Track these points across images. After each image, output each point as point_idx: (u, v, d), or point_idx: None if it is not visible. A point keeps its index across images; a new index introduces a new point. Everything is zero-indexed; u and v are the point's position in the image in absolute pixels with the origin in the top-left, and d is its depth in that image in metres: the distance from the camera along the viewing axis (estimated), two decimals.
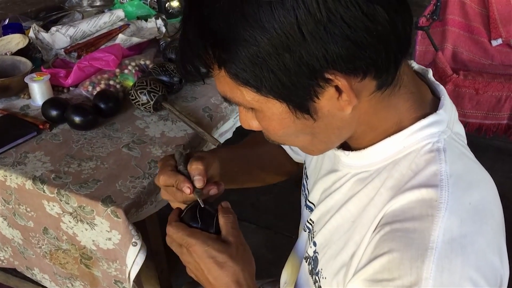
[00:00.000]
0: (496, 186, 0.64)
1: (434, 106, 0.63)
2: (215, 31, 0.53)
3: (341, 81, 0.53)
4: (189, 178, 0.74)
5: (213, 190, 0.75)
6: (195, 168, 0.75)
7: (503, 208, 0.63)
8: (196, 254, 0.68)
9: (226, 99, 0.60)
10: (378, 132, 0.62)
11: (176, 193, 0.75)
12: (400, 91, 0.60)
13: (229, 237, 0.69)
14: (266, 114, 0.59)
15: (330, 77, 0.53)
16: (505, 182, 2.09)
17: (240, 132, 1.35)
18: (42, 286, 1.25)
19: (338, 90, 0.55)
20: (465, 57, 2.43)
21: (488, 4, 2.32)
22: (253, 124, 0.64)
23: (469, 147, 0.66)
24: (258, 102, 0.57)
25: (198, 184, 0.74)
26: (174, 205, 0.78)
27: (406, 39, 0.55)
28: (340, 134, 0.62)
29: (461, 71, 2.17)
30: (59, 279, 1.15)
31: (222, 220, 0.71)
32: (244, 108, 0.62)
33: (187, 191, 0.73)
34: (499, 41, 2.39)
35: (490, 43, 2.42)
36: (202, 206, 0.72)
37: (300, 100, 0.55)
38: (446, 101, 0.63)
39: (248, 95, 0.56)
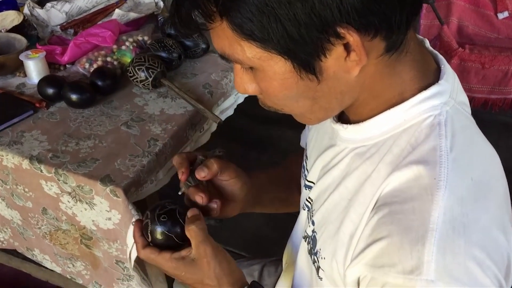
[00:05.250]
0: (501, 161, 0.61)
1: (437, 76, 0.60)
2: None
3: (353, 37, 0.50)
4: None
5: (212, 205, 0.75)
6: (209, 162, 0.75)
7: (508, 184, 0.60)
8: (177, 278, 0.72)
9: (223, 57, 0.56)
10: (380, 102, 0.59)
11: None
12: (406, 58, 0.56)
13: (198, 253, 0.69)
14: (268, 74, 0.55)
15: (342, 31, 0.49)
16: (510, 157, 2.06)
17: (242, 110, 1.32)
18: (44, 267, 1.24)
19: (347, 49, 0.51)
20: (471, 31, 2.37)
21: None
22: (249, 88, 0.60)
23: None
24: (260, 59, 0.53)
25: (200, 174, 0.73)
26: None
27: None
28: (342, 99, 0.58)
29: (466, 45, 2.12)
30: (60, 260, 1.14)
31: (188, 234, 0.70)
32: (241, 68, 0.59)
33: (180, 175, 0.72)
34: (506, 14, 2.33)
35: (497, 16, 2.36)
36: (173, 207, 0.73)
37: (307, 57, 0.52)
38: (447, 69, 0.60)
39: (249, 51, 0.53)
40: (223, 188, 0.80)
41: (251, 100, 1.36)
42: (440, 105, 0.57)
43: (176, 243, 0.71)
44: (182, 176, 0.74)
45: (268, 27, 0.50)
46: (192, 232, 0.69)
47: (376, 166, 0.59)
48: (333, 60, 0.52)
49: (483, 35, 2.41)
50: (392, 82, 0.57)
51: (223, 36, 0.53)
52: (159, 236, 0.71)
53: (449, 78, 0.59)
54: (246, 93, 0.61)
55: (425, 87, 0.58)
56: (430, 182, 0.53)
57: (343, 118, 0.67)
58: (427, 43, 0.63)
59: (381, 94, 0.58)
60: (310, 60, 0.52)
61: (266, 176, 0.92)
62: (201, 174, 0.74)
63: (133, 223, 0.91)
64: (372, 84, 0.57)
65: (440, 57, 0.62)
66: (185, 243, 0.71)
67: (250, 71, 0.58)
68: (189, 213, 0.71)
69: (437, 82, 0.58)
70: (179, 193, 0.75)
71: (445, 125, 0.56)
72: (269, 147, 2.25)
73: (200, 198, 0.73)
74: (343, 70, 0.54)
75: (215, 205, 0.75)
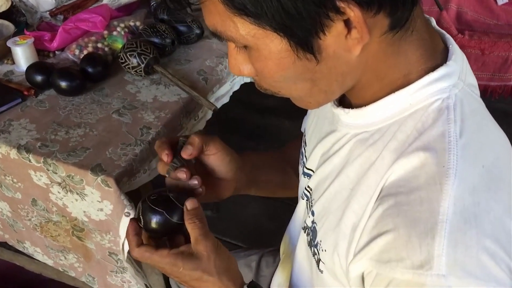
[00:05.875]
0: None
1: (445, 56, 0.56)
2: None
3: (354, 12, 0.46)
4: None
5: (193, 182, 0.71)
6: (191, 138, 0.71)
7: None
8: (174, 276, 0.67)
9: (215, 35, 0.52)
10: (384, 84, 0.55)
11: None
12: (412, 37, 0.53)
13: (198, 247, 0.66)
14: (263, 53, 0.51)
15: (342, 5, 0.46)
16: None
17: (238, 99, 1.29)
18: (37, 259, 1.21)
19: (348, 26, 0.48)
20: (470, 17, 2.34)
21: None
22: (245, 70, 0.57)
23: None
24: (254, 37, 0.50)
25: (186, 153, 0.70)
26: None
27: None
28: (343, 81, 0.55)
29: (466, 31, 2.09)
30: (52, 252, 1.11)
31: (188, 228, 0.67)
32: (236, 47, 0.55)
33: (165, 158, 0.69)
34: None
35: (496, 2, 2.32)
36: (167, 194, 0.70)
37: (304, 34, 0.48)
38: (455, 49, 0.56)
39: (242, 28, 0.49)
40: (212, 166, 0.77)
41: (248, 89, 1.34)
42: (449, 87, 0.54)
43: (171, 228, 0.69)
44: (167, 159, 0.70)
45: (261, 1, 0.46)
46: (192, 226, 0.67)
47: (380, 153, 0.55)
48: (333, 38, 0.49)
49: (482, 21, 2.38)
50: (397, 63, 0.54)
51: (215, 12, 0.49)
52: (153, 225, 0.69)
53: (458, 59, 0.56)
54: (241, 74, 0.58)
55: (433, 69, 0.54)
56: (438, 170, 0.50)
57: (344, 102, 0.63)
58: (434, 22, 0.59)
59: (385, 76, 0.55)
60: (308, 38, 0.49)
61: (259, 156, 0.90)
62: (187, 152, 0.71)
63: (126, 213, 0.88)
64: (375, 65, 0.53)
65: (448, 36, 0.58)
66: (180, 228, 0.69)
67: (244, 50, 0.55)
68: (189, 205, 0.68)
69: (445, 63, 0.54)
70: (167, 174, 0.72)
71: (454, 109, 0.53)
72: (266, 137, 2.22)
73: (183, 174, 0.70)
74: (343, 49, 0.50)
75: (195, 181, 0.71)
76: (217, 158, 0.76)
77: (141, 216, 0.70)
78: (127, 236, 0.71)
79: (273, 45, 0.50)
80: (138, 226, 0.71)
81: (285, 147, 0.96)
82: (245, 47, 0.53)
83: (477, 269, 0.47)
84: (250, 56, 0.54)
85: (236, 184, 0.80)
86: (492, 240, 0.48)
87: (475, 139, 0.52)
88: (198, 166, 0.76)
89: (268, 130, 2.27)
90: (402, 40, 0.52)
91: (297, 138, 0.92)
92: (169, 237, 0.71)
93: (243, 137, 2.20)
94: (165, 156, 0.70)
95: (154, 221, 0.69)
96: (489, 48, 2.00)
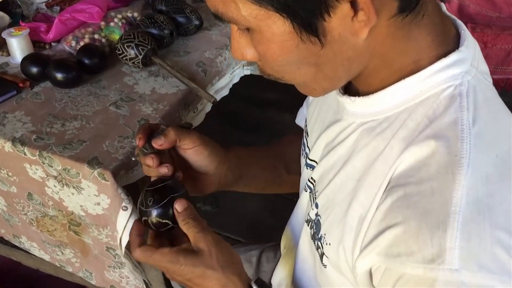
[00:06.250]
0: None
1: (457, 42, 0.54)
2: None
3: None
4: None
5: (162, 169, 0.70)
6: (166, 130, 0.71)
7: None
8: (176, 275, 0.65)
9: (217, 17, 0.50)
10: (393, 70, 0.53)
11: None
12: (423, 21, 0.50)
13: (198, 244, 0.64)
14: (265, 35, 0.49)
15: None
16: None
17: (238, 93, 1.26)
18: (34, 254, 1.19)
19: (354, 7, 0.45)
20: (472, 10, 2.31)
21: None
22: (247, 54, 0.54)
23: None
24: (256, 18, 0.48)
25: (156, 142, 0.70)
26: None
27: None
28: (350, 67, 0.52)
29: (468, 24, 2.07)
30: (48, 247, 1.09)
31: (184, 229, 0.65)
32: (238, 30, 0.53)
33: (137, 141, 0.69)
34: None
35: None
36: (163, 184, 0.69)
37: (308, 15, 0.46)
38: (467, 35, 0.54)
39: (244, 9, 0.47)
40: (190, 160, 0.75)
41: (248, 82, 1.32)
42: (461, 74, 0.52)
43: (171, 223, 0.68)
44: (139, 142, 0.70)
45: None
46: (187, 226, 0.65)
47: (388, 142, 0.53)
48: (338, 20, 0.47)
49: (485, 14, 2.35)
50: (406, 48, 0.51)
51: None
52: (154, 220, 0.68)
53: (470, 45, 0.54)
54: (244, 59, 0.55)
55: (444, 54, 0.52)
56: (450, 159, 0.47)
57: (350, 89, 0.61)
58: (444, 7, 0.57)
59: (394, 62, 0.52)
60: (312, 20, 0.46)
61: (247, 151, 0.87)
62: (158, 142, 0.70)
63: (124, 207, 0.86)
64: (384, 50, 0.51)
65: (459, 22, 0.56)
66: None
67: (247, 33, 0.52)
68: (178, 207, 0.66)
69: (457, 48, 0.52)
70: (133, 158, 0.74)
71: (467, 96, 0.50)
72: (266, 131, 2.20)
73: (150, 160, 0.69)
74: (349, 32, 0.48)
75: (165, 169, 0.70)
76: (193, 152, 0.74)
77: (142, 215, 0.70)
78: (130, 237, 0.70)
79: (276, 27, 0.48)
80: (142, 227, 0.70)
81: (278, 142, 0.94)
82: (248, 29, 0.51)
83: (491, 262, 0.45)
84: (252, 39, 0.52)
85: (219, 178, 0.78)
86: (506, 232, 0.46)
87: (489, 127, 0.50)
88: (178, 159, 0.75)
89: (268, 124, 2.24)
90: (413, 24, 0.50)
91: (292, 133, 0.89)
92: (172, 229, 0.70)
93: (243, 131, 2.18)
94: (137, 139, 0.70)
95: (155, 222, 0.68)
96: (492, 40, 1.98)
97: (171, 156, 0.75)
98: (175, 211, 0.66)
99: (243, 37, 0.54)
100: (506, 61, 2.01)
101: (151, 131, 0.72)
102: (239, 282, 0.64)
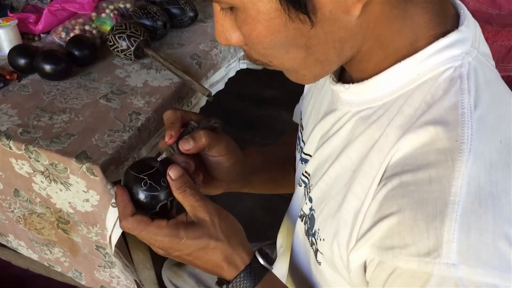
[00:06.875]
0: None
1: (456, 22, 0.50)
2: None
3: None
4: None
5: (192, 167, 0.63)
6: (197, 134, 0.64)
7: None
8: (173, 251, 0.58)
9: None
10: (388, 52, 0.49)
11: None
12: None
13: (198, 214, 0.58)
14: (250, 14, 0.45)
15: None
16: None
17: (235, 90, 1.23)
18: (22, 253, 1.15)
19: None
20: (471, 7, 2.27)
21: None
22: (232, 37, 0.51)
23: None
24: None
25: (184, 146, 0.63)
26: None
27: None
28: (342, 49, 0.49)
29: None
30: (36, 246, 1.05)
31: (179, 199, 0.59)
32: (221, 11, 0.49)
33: (167, 138, 0.62)
34: None
35: None
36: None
37: None
38: (467, 15, 0.50)
39: None
40: (210, 164, 0.70)
41: (244, 79, 1.28)
42: (461, 55, 0.48)
43: (163, 206, 0.61)
44: (169, 140, 0.63)
45: None
46: (183, 195, 0.59)
47: (384, 130, 0.49)
48: None
49: (484, 11, 2.32)
50: (402, 28, 0.48)
51: None
52: (142, 199, 0.60)
53: (471, 25, 0.50)
54: (229, 43, 0.52)
55: (443, 34, 0.48)
56: (450, 145, 0.44)
57: (344, 77, 0.57)
58: None
59: (389, 43, 0.49)
60: None
61: (262, 156, 0.83)
62: (185, 147, 0.63)
63: (114, 204, 0.82)
64: (378, 30, 0.47)
65: (458, 1, 0.52)
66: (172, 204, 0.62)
67: (231, 14, 0.49)
68: (172, 174, 0.59)
69: (457, 28, 0.48)
70: (159, 159, 0.65)
71: (468, 78, 0.47)
72: (263, 129, 2.17)
73: (188, 165, 0.63)
74: (341, 9, 0.44)
75: (199, 178, 0.65)
76: (218, 161, 0.69)
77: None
78: (116, 203, 0.61)
79: (262, 4, 0.44)
80: (128, 194, 0.61)
81: (286, 137, 0.90)
82: (232, 9, 0.48)
83: (493, 258, 0.41)
84: (236, 19, 0.48)
85: (229, 185, 0.75)
86: (510, 224, 0.42)
87: (492, 111, 0.47)
88: (195, 156, 0.69)
89: (265, 121, 2.21)
90: (408, 2, 0.47)
91: (295, 128, 0.86)
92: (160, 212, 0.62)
93: (240, 129, 2.14)
94: (168, 136, 0.64)
95: (141, 191, 0.60)
96: (492, 37, 1.94)
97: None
98: (168, 178, 0.60)
99: (227, 20, 0.50)
100: (507, 58, 1.97)
101: (182, 125, 0.66)
102: (243, 252, 0.59)
